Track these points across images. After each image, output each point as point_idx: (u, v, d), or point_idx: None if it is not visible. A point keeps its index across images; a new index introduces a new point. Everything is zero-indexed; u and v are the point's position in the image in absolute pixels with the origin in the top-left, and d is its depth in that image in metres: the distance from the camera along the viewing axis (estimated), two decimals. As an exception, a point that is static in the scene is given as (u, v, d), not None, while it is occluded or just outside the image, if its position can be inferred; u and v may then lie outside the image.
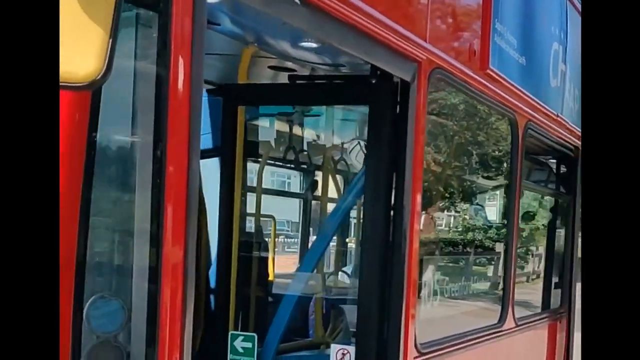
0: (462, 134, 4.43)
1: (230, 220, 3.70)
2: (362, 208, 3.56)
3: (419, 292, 3.77)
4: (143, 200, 1.94)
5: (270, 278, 4.46)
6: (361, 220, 3.60)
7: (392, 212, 3.31)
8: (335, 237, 4.17)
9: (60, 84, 1.46)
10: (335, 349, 3.43)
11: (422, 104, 3.36)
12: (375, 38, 2.94)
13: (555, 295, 5.86)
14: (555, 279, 5.94)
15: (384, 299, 3.31)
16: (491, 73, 4.14)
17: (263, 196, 4.34)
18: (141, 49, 1.88)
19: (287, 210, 6.29)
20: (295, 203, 5.58)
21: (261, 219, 4.42)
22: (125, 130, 1.96)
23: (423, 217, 4.48)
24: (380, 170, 3.32)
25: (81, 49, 1.45)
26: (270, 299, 4.30)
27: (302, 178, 5.24)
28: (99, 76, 1.45)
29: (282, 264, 5.62)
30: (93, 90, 1.63)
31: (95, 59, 1.43)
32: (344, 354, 3.40)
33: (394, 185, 3.30)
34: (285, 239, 11.13)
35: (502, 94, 4.39)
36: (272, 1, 2.36)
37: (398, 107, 3.30)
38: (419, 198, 3.39)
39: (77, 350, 1.84)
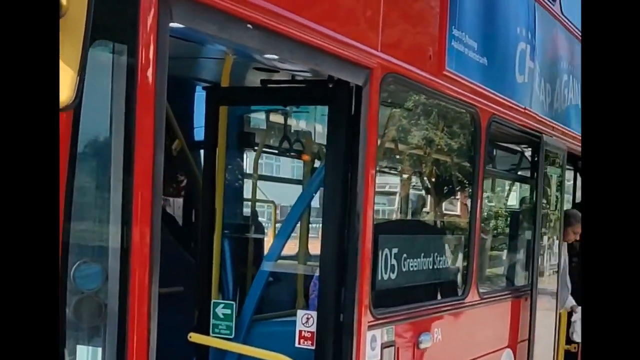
0: (425, 128, 4.97)
1: (212, 204, 4.30)
2: (323, 194, 4.12)
3: (384, 266, 4.34)
4: (117, 188, 2.53)
5: None
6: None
7: (348, 198, 3.88)
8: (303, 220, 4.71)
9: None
10: (300, 314, 4.01)
11: (375, 106, 3.91)
12: (325, 50, 3.50)
13: (520, 274, 6.37)
14: (519, 259, 6.45)
15: (340, 271, 3.88)
16: (448, 74, 4.69)
17: (266, 183, 4.92)
18: (114, 74, 2.46)
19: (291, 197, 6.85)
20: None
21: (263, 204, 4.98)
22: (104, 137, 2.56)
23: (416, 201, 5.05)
24: (338, 163, 3.88)
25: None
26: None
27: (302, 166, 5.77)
28: (70, 102, 2.03)
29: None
30: (74, 109, 2.22)
31: (66, 90, 2.01)
32: (308, 319, 3.98)
33: (349, 176, 3.87)
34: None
35: (461, 92, 4.92)
36: (226, 27, 2.91)
37: (353, 108, 3.85)
38: (372, 185, 3.94)
39: (66, 302, 2.44)
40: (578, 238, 7.60)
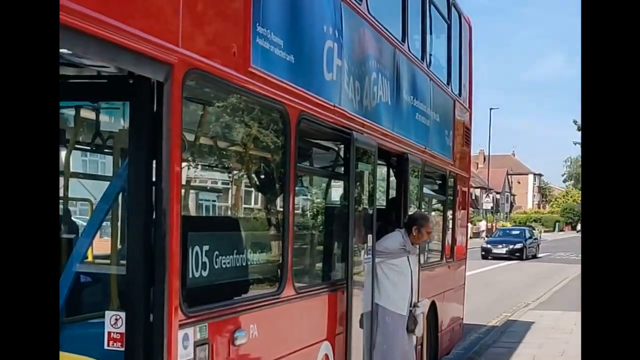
0: (234, 125, 4.97)
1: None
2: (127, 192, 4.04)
3: (196, 263, 4.30)
4: None
5: (89, 259, 4.89)
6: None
7: (153, 195, 3.83)
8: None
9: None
10: (109, 315, 3.92)
11: (178, 102, 3.88)
12: (122, 46, 3.44)
13: (336, 268, 6.50)
14: (335, 253, 6.59)
15: (148, 270, 3.82)
16: (254, 71, 4.72)
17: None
18: None
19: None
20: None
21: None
22: None
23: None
24: (141, 159, 3.83)
25: None
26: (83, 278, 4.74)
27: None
28: None
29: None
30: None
31: None
32: (116, 320, 3.90)
33: (154, 173, 3.82)
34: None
35: (269, 89, 4.97)
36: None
37: (155, 104, 3.81)
38: (177, 181, 3.91)
39: None
40: (428, 237, 7.91)
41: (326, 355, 6.08)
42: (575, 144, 46.34)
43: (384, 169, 8.94)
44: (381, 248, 7.35)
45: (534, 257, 43.18)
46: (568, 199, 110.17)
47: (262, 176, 5.50)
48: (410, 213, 8.08)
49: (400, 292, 7.50)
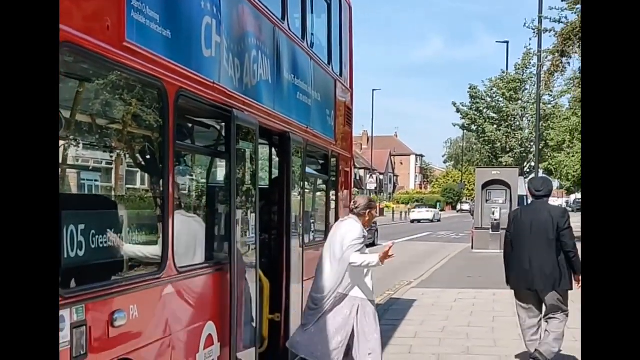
0: (110, 101, 4.83)
1: None
2: None
3: (71, 243, 4.17)
4: None
5: None
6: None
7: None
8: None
9: None
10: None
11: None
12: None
13: (219, 248, 6.44)
14: (219, 233, 6.52)
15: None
16: (129, 46, 4.60)
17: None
18: None
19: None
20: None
21: None
22: None
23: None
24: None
25: None
26: None
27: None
28: None
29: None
30: None
31: None
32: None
33: None
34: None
35: (145, 64, 4.85)
36: None
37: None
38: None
39: None
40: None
41: (210, 335, 6.02)
42: (454, 125, 47.45)
43: (267, 149, 8.90)
44: (354, 241, 7.49)
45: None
46: (448, 180, 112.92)
47: (141, 154, 5.38)
48: (355, 199, 8.11)
49: (372, 280, 7.73)
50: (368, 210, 7.81)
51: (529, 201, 10.76)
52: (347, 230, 7.66)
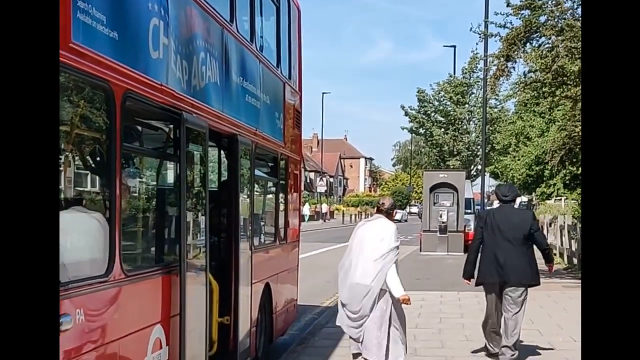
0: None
1: None
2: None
3: None
4: None
5: None
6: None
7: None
8: None
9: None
10: None
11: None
12: None
13: (168, 250, 6.40)
14: (168, 235, 6.48)
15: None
16: (75, 47, 4.56)
17: None
18: None
19: None
20: None
21: None
22: None
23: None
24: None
25: None
26: None
27: None
28: None
29: None
30: None
31: None
32: None
33: None
34: None
35: (91, 65, 4.81)
36: None
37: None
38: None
39: None
40: None
41: (159, 339, 5.98)
42: (403, 129, 47.77)
43: (216, 151, 8.87)
44: (398, 239, 7.99)
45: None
46: (397, 182, 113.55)
47: (88, 156, 5.32)
48: (382, 201, 8.46)
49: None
50: (394, 210, 8.38)
51: (495, 205, 11.60)
52: (387, 228, 8.02)
